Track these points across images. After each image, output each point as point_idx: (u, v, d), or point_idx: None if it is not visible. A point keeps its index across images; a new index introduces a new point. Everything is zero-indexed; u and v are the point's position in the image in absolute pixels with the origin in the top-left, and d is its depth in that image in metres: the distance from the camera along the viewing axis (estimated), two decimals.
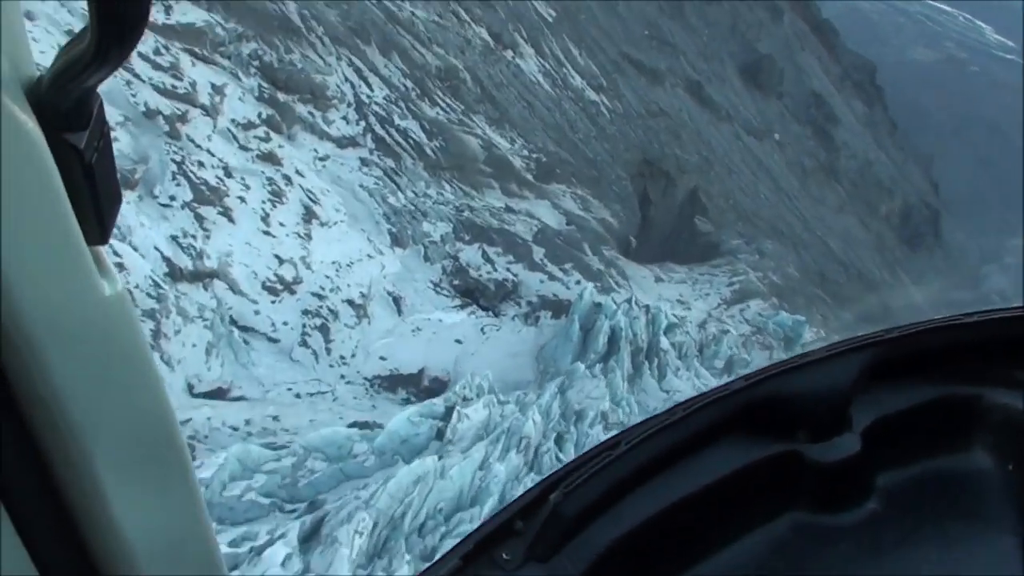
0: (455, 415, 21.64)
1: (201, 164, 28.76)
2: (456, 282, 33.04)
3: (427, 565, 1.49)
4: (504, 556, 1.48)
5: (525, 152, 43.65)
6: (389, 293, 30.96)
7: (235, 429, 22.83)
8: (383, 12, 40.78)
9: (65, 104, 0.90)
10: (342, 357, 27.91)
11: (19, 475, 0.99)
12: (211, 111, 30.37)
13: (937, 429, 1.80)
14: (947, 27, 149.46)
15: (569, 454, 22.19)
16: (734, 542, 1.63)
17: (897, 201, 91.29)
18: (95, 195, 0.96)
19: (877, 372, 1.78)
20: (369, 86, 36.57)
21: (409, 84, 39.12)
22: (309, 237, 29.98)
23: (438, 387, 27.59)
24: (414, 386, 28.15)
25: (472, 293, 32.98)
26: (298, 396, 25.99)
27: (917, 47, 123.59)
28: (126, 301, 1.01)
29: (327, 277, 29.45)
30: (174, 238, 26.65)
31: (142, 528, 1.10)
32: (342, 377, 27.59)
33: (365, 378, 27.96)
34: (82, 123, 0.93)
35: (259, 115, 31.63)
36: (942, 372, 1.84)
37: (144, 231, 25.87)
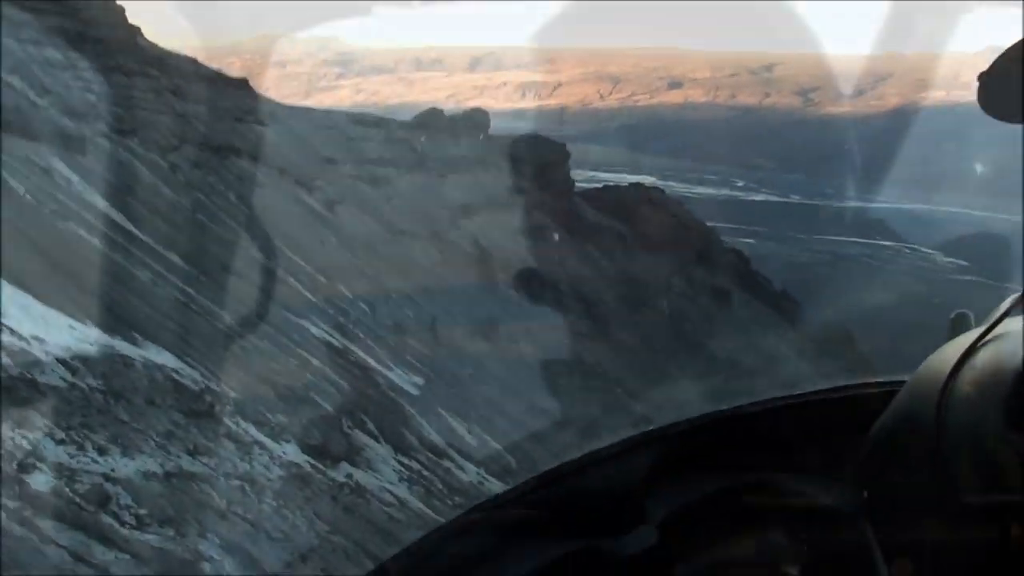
0: None
1: None
2: None
3: None
4: None
5: None
6: None
7: None
8: None
9: None
10: None
11: None
12: None
13: (730, 517, 1.80)
14: (897, 263, 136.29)
15: None
16: None
17: None
18: None
19: (670, 465, 1.82)
20: None
21: None
22: None
23: None
24: None
25: None
26: None
27: (876, 292, 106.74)
28: None
29: None
30: None
31: None
32: None
33: None
34: None
35: None
36: (733, 462, 1.86)
37: None
